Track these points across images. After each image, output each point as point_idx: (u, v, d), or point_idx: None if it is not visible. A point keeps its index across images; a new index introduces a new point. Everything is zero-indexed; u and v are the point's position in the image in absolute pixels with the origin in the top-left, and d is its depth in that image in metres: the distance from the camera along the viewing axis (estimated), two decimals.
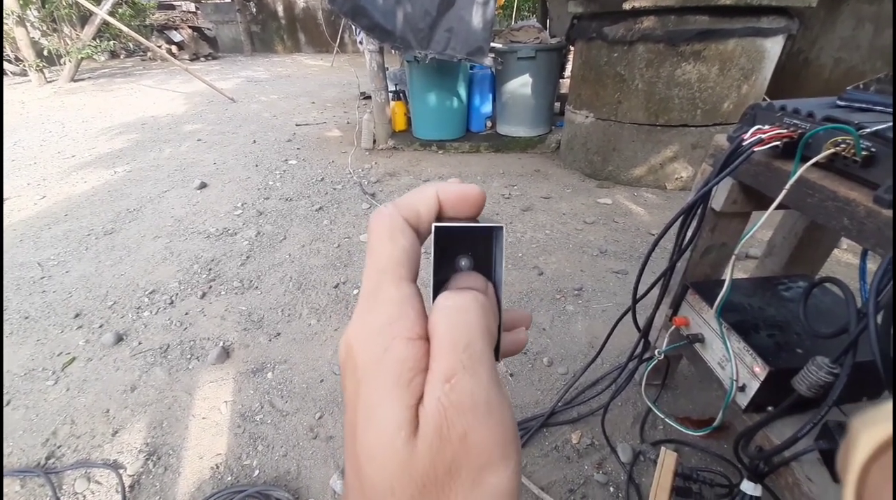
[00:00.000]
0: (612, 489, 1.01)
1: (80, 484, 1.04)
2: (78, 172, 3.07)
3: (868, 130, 0.53)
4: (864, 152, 0.53)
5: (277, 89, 6.02)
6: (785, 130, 0.63)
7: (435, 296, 0.19)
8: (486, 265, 0.21)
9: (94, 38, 7.02)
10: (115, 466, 1.08)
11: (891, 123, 0.53)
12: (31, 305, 1.68)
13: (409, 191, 0.21)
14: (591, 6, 2.44)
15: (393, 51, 2.93)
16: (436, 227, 0.19)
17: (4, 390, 1.31)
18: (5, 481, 1.05)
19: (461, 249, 0.21)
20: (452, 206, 0.20)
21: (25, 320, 1.59)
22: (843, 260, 1.80)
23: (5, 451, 1.13)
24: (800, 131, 0.62)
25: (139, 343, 1.47)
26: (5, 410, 1.24)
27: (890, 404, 0.13)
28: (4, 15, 6.22)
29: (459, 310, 0.17)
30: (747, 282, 0.92)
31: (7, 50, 7.16)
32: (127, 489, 1.03)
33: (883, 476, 0.13)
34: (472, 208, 0.21)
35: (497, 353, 0.20)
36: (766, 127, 0.65)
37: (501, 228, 0.20)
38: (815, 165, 0.58)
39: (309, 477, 1.05)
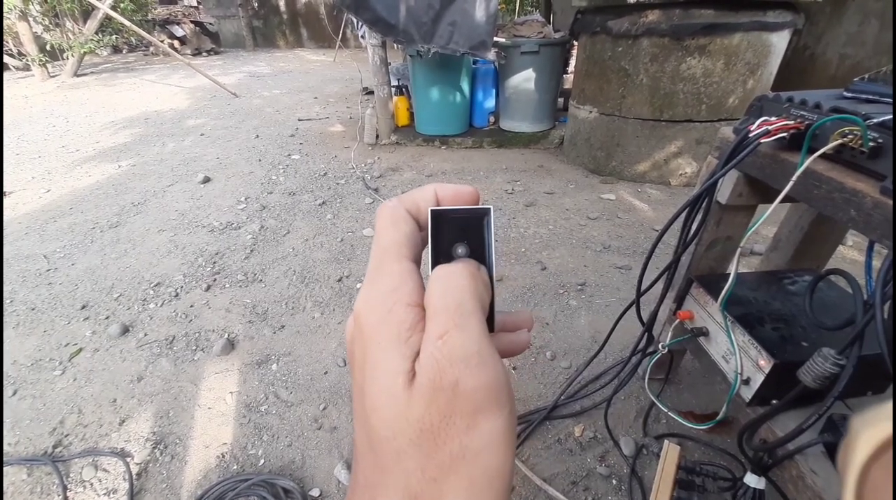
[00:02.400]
0: (614, 481, 1.01)
1: (87, 472, 1.06)
2: (82, 165, 3.08)
3: (875, 120, 0.53)
4: (871, 143, 0.53)
5: (280, 84, 6.01)
6: (792, 122, 0.63)
7: None
8: (479, 252, 0.23)
9: (96, 33, 7.02)
10: (123, 454, 1.09)
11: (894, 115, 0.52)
12: (38, 296, 1.69)
13: (411, 186, 0.23)
14: (596, 0, 2.43)
15: (396, 45, 2.92)
16: (431, 210, 0.22)
17: (12, 381, 1.32)
18: (12, 469, 1.07)
19: (456, 237, 0.23)
20: (449, 201, 0.23)
21: (32, 312, 1.60)
22: (848, 257, 1.80)
23: (13, 440, 1.14)
24: (807, 122, 0.62)
25: (145, 335, 1.48)
26: (13, 399, 1.25)
27: (890, 404, 0.13)
28: (7, 9, 6.22)
29: (451, 276, 0.19)
30: (752, 276, 0.92)
31: (10, 44, 7.16)
32: (134, 476, 1.04)
33: (883, 476, 0.12)
34: (466, 203, 0.23)
35: (491, 325, 0.22)
36: (773, 118, 0.65)
37: (489, 209, 0.22)
38: (822, 156, 0.58)
39: (313, 467, 1.06)
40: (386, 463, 0.18)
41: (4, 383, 1.31)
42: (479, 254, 0.23)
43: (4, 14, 6.33)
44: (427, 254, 0.23)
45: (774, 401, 0.73)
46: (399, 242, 0.21)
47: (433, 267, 0.21)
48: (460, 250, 0.22)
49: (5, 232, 2.19)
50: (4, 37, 6.99)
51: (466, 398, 0.17)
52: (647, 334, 1.00)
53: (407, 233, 0.21)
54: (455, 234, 0.23)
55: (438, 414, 0.17)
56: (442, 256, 0.22)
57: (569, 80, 3.55)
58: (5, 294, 1.71)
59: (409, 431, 0.17)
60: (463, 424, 0.17)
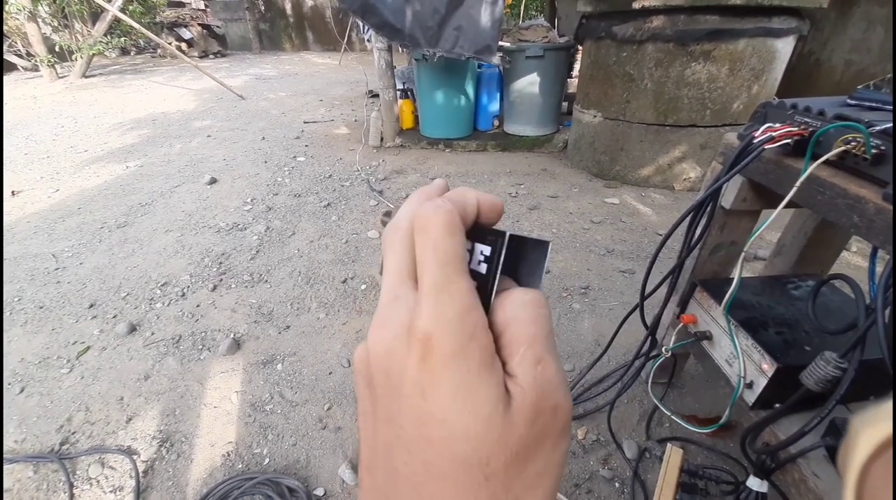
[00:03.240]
0: (617, 484, 1.02)
1: (94, 469, 1.07)
2: (90, 166, 3.12)
3: (877, 128, 0.54)
4: (873, 150, 0.54)
5: (286, 87, 6.05)
6: (796, 128, 0.63)
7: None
8: (535, 282, 0.23)
9: (105, 35, 7.10)
10: (129, 452, 1.10)
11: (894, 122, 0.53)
12: (46, 295, 1.71)
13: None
14: (601, 5, 2.44)
15: (401, 49, 2.94)
16: (510, 235, 0.21)
17: (20, 378, 1.33)
18: (19, 466, 1.08)
19: (518, 264, 0.23)
20: (486, 213, 0.22)
21: (40, 310, 1.62)
22: (853, 263, 1.80)
23: (20, 437, 1.15)
24: (810, 129, 0.62)
25: (152, 334, 1.49)
26: (20, 397, 1.27)
27: (890, 403, 0.13)
28: (16, 10, 6.30)
29: (539, 305, 0.20)
30: (756, 280, 0.92)
31: (19, 45, 7.25)
32: (141, 474, 1.05)
33: (883, 476, 0.13)
34: (498, 218, 0.23)
35: None
36: (777, 125, 0.66)
37: (549, 242, 0.22)
38: (826, 162, 0.59)
39: (318, 466, 1.07)
40: (464, 490, 0.18)
41: (13, 380, 1.33)
42: (535, 284, 0.22)
43: (14, 15, 6.42)
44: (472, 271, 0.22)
45: (777, 405, 0.74)
46: (461, 255, 0.19)
47: (498, 290, 0.21)
48: (523, 277, 0.23)
49: (14, 231, 2.22)
50: (14, 38, 7.08)
51: (561, 420, 0.18)
52: (650, 337, 1.00)
53: (463, 244, 0.20)
54: (517, 260, 0.23)
55: (534, 436, 0.18)
56: (504, 280, 0.22)
57: (573, 84, 3.57)
58: (13, 292, 1.73)
59: (504, 455, 0.17)
60: (552, 444, 0.18)
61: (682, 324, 0.93)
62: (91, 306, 1.64)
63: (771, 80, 2.22)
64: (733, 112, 2.26)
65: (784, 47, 2.16)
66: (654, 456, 1.06)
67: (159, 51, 9.33)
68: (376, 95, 4.06)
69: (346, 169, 2.94)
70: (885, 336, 0.47)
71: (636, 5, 2.14)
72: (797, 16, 2.11)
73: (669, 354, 0.96)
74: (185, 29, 8.78)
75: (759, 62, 2.14)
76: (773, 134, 0.64)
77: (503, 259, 0.21)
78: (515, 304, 0.20)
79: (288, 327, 1.52)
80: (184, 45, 8.63)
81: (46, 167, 3.10)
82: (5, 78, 5.81)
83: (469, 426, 0.17)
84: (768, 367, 0.71)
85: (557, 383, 0.18)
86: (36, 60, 6.73)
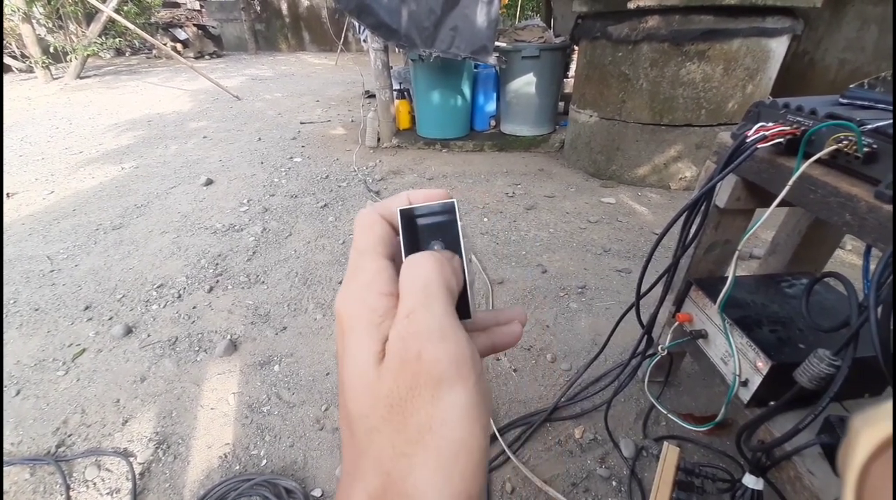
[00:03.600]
0: (614, 483, 1.02)
1: (90, 472, 1.06)
2: (85, 167, 3.10)
3: (869, 126, 0.54)
4: (865, 149, 0.54)
5: (282, 87, 6.04)
6: (788, 127, 0.64)
7: None
8: (452, 244, 0.24)
9: (99, 36, 7.06)
10: (126, 454, 1.10)
11: (892, 120, 0.54)
12: (42, 297, 1.70)
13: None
14: (596, 5, 2.45)
15: (397, 49, 2.94)
16: (400, 209, 0.23)
17: (16, 380, 1.33)
18: (15, 468, 1.07)
19: (429, 233, 0.24)
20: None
21: (35, 312, 1.61)
22: (847, 261, 1.81)
23: (16, 439, 1.15)
24: (803, 128, 0.63)
25: (148, 335, 1.49)
26: (16, 399, 1.26)
27: (890, 403, 0.13)
28: (10, 11, 6.26)
29: (419, 262, 0.21)
30: (751, 279, 0.93)
31: (13, 46, 7.21)
32: (137, 476, 1.05)
33: (883, 475, 0.12)
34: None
35: (468, 311, 0.23)
36: (770, 124, 0.66)
37: (454, 202, 0.24)
38: (818, 161, 0.60)
39: (315, 467, 1.07)
40: (361, 446, 0.19)
41: (9, 383, 1.32)
42: (453, 246, 0.24)
43: (8, 16, 6.38)
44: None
45: (772, 402, 0.74)
46: (373, 243, 0.22)
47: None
48: (435, 246, 0.23)
49: (9, 233, 2.20)
50: (8, 39, 7.03)
51: (429, 369, 0.18)
52: (646, 336, 1.01)
53: (381, 235, 0.22)
54: (427, 230, 0.24)
55: (405, 386, 0.18)
56: (416, 251, 0.23)
57: (569, 84, 3.58)
58: (9, 295, 1.72)
59: (379, 407, 0.18)
60: (428, 394, 0.18)
61: (677, 323, 0.93)
62: (86, 308, 1.63)
63: (765, 79, 2.23)
64: (728, 111, 2.27)
65: (778, 47, 2.17)
66: (650, 455, 1.06)
67: (154, 52, 9.29)
68: (373, 96, 4.06)
69: (343, 170, 2.94)
70: (878, 334, 0.48)
71: (631, 5, 2.15)
72: (791, 15, 2.13)
73: (665, 352, 0.96)
74: (180, 29, 8.75)
75: (754, 62, 2.15)
76: (766, 133, 0.64)
77: (403, 234, 0.23)
78: (402, 267, 0.21)
79: (285, 328, 1.52)
80: (179, 46, 8.60)
81: (41, 169, 3.08)
82: None
83: (352, 380, 0.19)
84: (763, 365, 0.72)
85: (424, 331, 0.18)
86: (30, 62, 6.69)
